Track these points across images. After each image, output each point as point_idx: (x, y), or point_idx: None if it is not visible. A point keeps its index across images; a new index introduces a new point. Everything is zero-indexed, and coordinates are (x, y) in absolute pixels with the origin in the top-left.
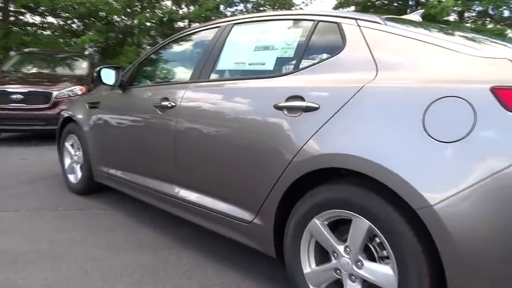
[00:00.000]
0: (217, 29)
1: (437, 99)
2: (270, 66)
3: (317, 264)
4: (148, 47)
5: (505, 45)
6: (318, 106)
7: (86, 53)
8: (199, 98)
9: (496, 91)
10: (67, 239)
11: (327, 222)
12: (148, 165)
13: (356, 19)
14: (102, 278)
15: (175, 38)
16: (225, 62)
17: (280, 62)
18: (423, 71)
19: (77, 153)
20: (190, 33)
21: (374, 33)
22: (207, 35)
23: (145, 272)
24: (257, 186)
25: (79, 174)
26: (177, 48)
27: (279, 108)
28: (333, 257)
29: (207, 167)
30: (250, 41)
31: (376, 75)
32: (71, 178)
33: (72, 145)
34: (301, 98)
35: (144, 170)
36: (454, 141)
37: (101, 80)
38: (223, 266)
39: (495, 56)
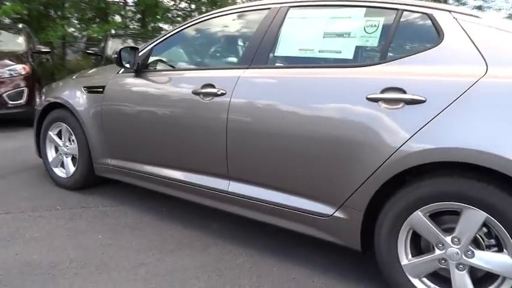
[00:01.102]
0: (267, 10)
1: None
2: (348, 55)
3: (412, 255)
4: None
5: None
6: (424, 99)
7: (20, 25)
8: (262, 85)
9: None
10: (95, 243)
11: (428, 214)
12: (182, 158)
13: (450, 11)
14: (171, 284)
15: (206, 18)
16: (286, 48)
17: (361, 51)
18: None
19: (68, 144)
20: (229, 14)
21: (474, 27)
22: (254, 16)
23: (210, 274)
24: (342, 180)
25: (71, 167)
26: (210, 29)
27: (373, 100)
28: (437, 248)
29: (275, 159)
30: (316, 27)
31: (487, 70)
32: (59, 172)
33: (58, 134)
34: (402, 90)
35: (176, 163)
36: None
37: (121, 63)
38: (285, 260)
39: None
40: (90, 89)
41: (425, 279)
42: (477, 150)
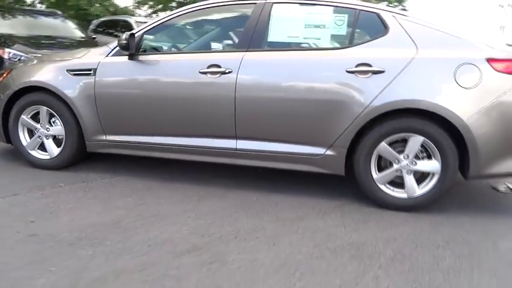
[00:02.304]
0: (253, 5)
1: (461, 64)
2: (326, 41)
3: (378, 171)
4: None
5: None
6: (384, 70)
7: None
8: (262, 63)
9: (489, 61)
10: (131, 204)
11: (388, 143)
12: (189, 126)
13: (390, 11)
14: (220, 219)
15: (191, 10)
16: (277, 35)
17: (335, 38)
18: (443, 48)
19: (49, 126)
20: (219, 5)
21: (406, 22)
22: (243, 9)
23: (239, 210)
24: (330, 128)
25: (54, 148)
26: (204, 18)
27: (351, 72)
28: (394, 164)
29: (275, 119)
30: (298, 19)
31: (417, 51)
32: (37, 154)
33: (33, 118)
34: (369, 65)
35: (184, 131)
36: (471, 88)
37: (127, 48)
38: (285, 194)
39: (470, 39)
40: (76, 72)
41: (387, 185)
42: (415, 100)
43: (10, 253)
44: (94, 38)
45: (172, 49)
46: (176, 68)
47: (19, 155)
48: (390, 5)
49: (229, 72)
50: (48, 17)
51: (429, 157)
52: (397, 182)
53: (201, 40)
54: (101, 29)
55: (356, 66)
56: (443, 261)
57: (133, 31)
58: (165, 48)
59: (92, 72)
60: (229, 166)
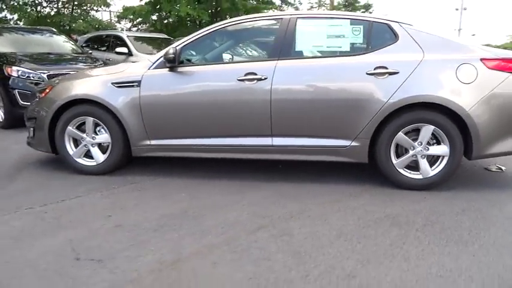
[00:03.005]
0: (280, 19)
1: (461, 64)
2: (346, 48)
3: (397, 157)
4: None
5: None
6: (398, 71)
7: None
8: (294, 70)
9: (482, 60)
10: (186, 198)
11: (404, 133)
12: (229, 128)
13: (398, 22)
14: (275, 203)
15: (225, 25)
16: (303, 45)
17: (354, 46)
18: (445, 52)
19: (95, 135)
20: (250, 21)
21: (412, 31)
22: (271, 24)
23: (279, 198)
24: (355, 122)
25: (100, 155)
26: (236, 32)
27: (370, 74)
28: (410, 150)
29: (306, 117)
30: (320, 31)
31: (424, 54)
32: (83, 162)
33: (78, 128)
34: (385, 67)
35: (223, 133)
36: (470, 83)
37: (174, 61)
38: (315, 182)
39: (467, 43)
40: (121, 84)
41: (405, 169)
42: (428, 95)
43: (109, 239)
44: (90, 53)
45: (209, 60)
46: (216, 77)
47: (60, 164)
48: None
49: (265, 79)
50: (43, 34)
51: (438, 143)
52: (413, 166)
53: (236, 51)
54: (90, 45)
55: (374, 69)
56: (464, 224)
57: (176, 46)
58: (201, 60)
59: (136, 84)
60: (252, 163)
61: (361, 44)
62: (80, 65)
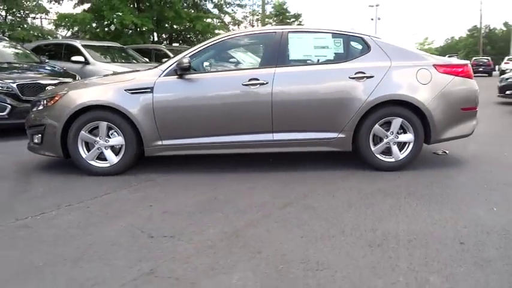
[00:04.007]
0: (274, 33)
1: (419, 69)
2: (331, 57)
3: (374, 145)
4: None
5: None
6: (373, 75)
7: None
8: (290, 75)
9: (434, 66)
10: (215, 192)
11: (379, 125)
12: (235, 127)
13: (369, 36)
14: (298, 193)
15: (226, 38)
16: (295, 54)
17: (336, 55)
18: (406, 60)
19: (108, 138)
20: (247, 35)
21: (380, 43)
22: (267, 36)
23: (300, 191)
24: (341, 118)
25: (113, 157)
26: (233, 45)
27: (352, 78)
28: (384, 138)
29: (302, 115)
30: (308, 43)
31: (391, 62)
32: (97, 164)
33: (91, 132)
34: (363, 73)
35: (229, 131)
36: (426, 84)
37: (188, 69)
38: (314, 170)
39: (420, 53)
40: (135, 91)
41: (380, 154)
42: (396, 94)
43: (166, 222)
44: (47, 62)
45: (214, 68)
46: (223, 83)
47: (67, 168)
48: (288, 20)
49: (266, 83)
50: None
51: (405, 132)
52: (386, 152)
53: (238, 60)
54: (39, 54)
55: (355, 73)
56: (436, 191)
57: (187, 55)
58: (207, 68)
59: (149, 90)
60: (246, 157)
61: (342, 53)
62: (45, 74)
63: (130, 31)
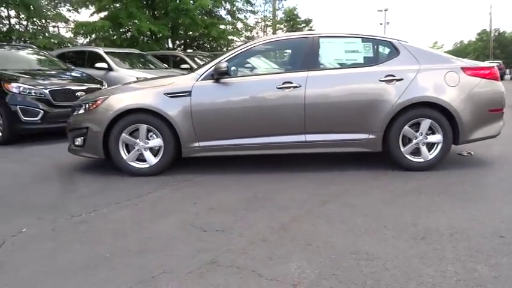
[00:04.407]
0: (305, 38)
1: (447, 72)
2: (361, 61)
3: (403, 145)
4: None
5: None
6: (403, 78)
7: None
8: (322, 79)
9: (462, 69)
10: (252, 193)
11: (408, 126)
12: (269, 128)
13: (397, 40)
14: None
15: (259, 44)
16: (327, 59)
17: (367, 59)
18: (434, 63)
19: (147, 140)
20: (282, 40)
21: (409, 46)
22: (299, 41)
23: (325, 187)
24: (371, 119)
25: (152, 158)
26: (272, 48)
27: (382, 80)
28: (413, 139)
29: (333, 117)
30: (338, 47)
31: (420, 65)
32: (137, 165)
33: (131, 134)
34: (393, 75)
35: (264, 132)
36: (454, 86)
37: (227, 73)
38: (338, 171)
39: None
40: (174, 95)
41: (410, 155)
42: (425, 96)
43: (214, 218)
44: (73, 68)
45: (249, 72)
46: (258, 86)
47: (106, 169)
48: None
49: (300, 86)
50: (24, 50)
51: (433, 133)
52: (415, 152)
53: (272, 64)
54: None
55: (385, 76)
56: (467, 189)
57: (224, 60)
58: (242, 71)
59: (187, 93)
60: (277, 158)
61: (371, 57)
62: (74, 81)
63: (146, 38)
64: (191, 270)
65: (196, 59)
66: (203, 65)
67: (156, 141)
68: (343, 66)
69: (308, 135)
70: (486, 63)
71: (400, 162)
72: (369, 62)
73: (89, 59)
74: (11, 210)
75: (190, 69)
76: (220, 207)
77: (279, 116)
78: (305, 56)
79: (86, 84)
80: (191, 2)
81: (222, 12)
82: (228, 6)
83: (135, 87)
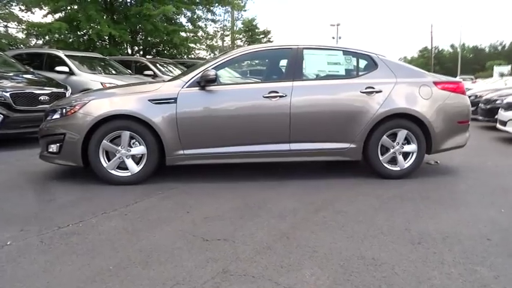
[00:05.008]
0: (289, 49)
1: (421, 85)
2: (342, 72)
3: (381, 155)
4: None
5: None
6: (381, 90)
7: None
8: (307, 89)
9: (434, 83)
10: (240, 201)
11: (386, 136)
12: (255, 137)
13: (376, 54)
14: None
15: (246, 52)
16: (310, 70)
17: (348, 71)
18: (409, 77)
19: (130, 148)
20: (265, 50)
21: (386, 60)
22: (283, 52)
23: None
24: (353, 129)
25: (134, 166)
26: (251, 59)
27: (363, 92)
28: (391, 149)
29: (317, 127)
30: (321, 59)
31: (396, 78)
32: (117, 173)
33: (112, 141)
34: (372, 88)
35: (250, 141)
36: (428, 99)
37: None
38: (327, 178)
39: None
40: (158, 101)
41: (387, 163)
42: (403, 107)
43: (213, 227)
44: (33, 72)
45: (233, 81)
46: (244, 95)
47: (85, 176)
48: (257, 37)
49: (285, 96)
50: None
51: (408, 143)
52: (391, 161)
53: (257, 73)
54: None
55: (365, 88)
56: (444, 195)
57: (211, 67)
58: (227, 80)
59: (173, 100)
60: (255, 167)
61: (353, 69)
62: (36, 84)
63: (105, 42)
64: (206, 281)
65: (158, 65)
66: (187, 72)
67: (139, 149)
68: (326, 77)
69: (292, 144)
70: (456, 79)
71: (378, 170)
72: (350, 74)
73: (47, 61)
74: None
75: (155, 76)
76: (215, 215)
77: (265, 124)
78: (290, 66)
79: (49, 89)
80: (152, 8)
81: (183, 20)
82: (188, 13)
83: (116, 93)
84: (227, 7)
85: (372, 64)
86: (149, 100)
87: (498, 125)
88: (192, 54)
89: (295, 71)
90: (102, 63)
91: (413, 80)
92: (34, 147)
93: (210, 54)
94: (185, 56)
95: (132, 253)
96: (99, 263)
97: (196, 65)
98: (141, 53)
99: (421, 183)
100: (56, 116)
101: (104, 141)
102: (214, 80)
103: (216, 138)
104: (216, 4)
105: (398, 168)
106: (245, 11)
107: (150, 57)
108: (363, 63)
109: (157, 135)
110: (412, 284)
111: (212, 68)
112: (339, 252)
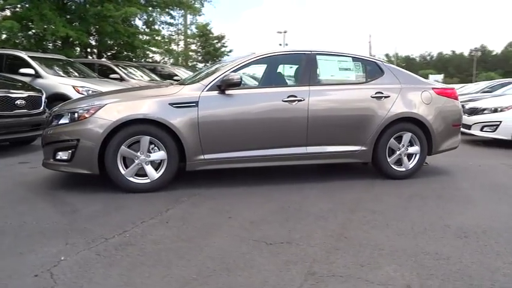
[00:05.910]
0: (303, 54)
1: (423, 91)
2: (353, 78)
3: (389, 156)
4: None
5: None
6: (389, 95)
7: None
8: (323, 93)
9: (433, 89)
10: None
11: (393, 138)
12: (273, 140)
13: (381, 61)
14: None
15: (263, 56)
16: (324, 75)
17: (358, 76)
18: (412, 83)
19: (149, 153)
20: (274, 56)
21: (391, 67)
22: (299, 57)
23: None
24: (365, 132)
25: (153, 172)
26: (275, 62)
27: (373, 97)
28: (397, 151)
29: (332, 130)
30: (333, 64)
31: (401, 84)
32: (136, 180)
33: (130, 147)
34: (381, 93)
35: (268, 145)
36: (428, 104)
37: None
38: (334, 181)
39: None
40: (179, 105)
41: (394, 164)
42: (410, 112)
43: (263, 231)
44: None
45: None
46: (264, 98)
47: (100, 184)
48: (212, 41)
49: (303, 100)
50: None
51: (412, 145)
52: (397, 162)
53: (275, 77)
54: None
55: (375, 93)
56: (452, 192)
57: (231, 70)
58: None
59: (194, 104)
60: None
61: (362, 75)
62: (9, 87)
63: (58, 43)
64: (301, 283)
65: (120, 67)
66: (206, 75)
67: (159, 154)
68: (338, 82)
69: (309, 147)
70: (447, 85)
71: (385, 171)
72: (360, 79)
73: (8, 63)
74: (16, 238)
75: (122, 79)
76: (260, 220)
77: (284, 128)
78: (305, 71)
79: (26, 92)
80: (113, 9)
81: (139, 23)
82: (145, 16)
83: (134, 96)
84: (182, 10)
85: (378, 70)
86: (170, 104)
87: (463, 129)
88: (148, 57)
89: (310, 76)
90: (68, 66)
91: (416, 86)
92: (7, 156)
93: (164, 58)
94: (142, 60)
95: (205, 261)
96: (178, 272)
97: (210, 68)
98: (93, 56)
99: (427, 183)
100: (64, 120)
101: (122, 146)
102: (239, 84)
103: (236, 142)
104: (175, 7)
105: (403, 169)
106: (200, 15)
107: (104, 60)
108: (370, 69)
109: (178, 139)
110: (487, 274)
111: (232, 71)
112: (403, 249)
